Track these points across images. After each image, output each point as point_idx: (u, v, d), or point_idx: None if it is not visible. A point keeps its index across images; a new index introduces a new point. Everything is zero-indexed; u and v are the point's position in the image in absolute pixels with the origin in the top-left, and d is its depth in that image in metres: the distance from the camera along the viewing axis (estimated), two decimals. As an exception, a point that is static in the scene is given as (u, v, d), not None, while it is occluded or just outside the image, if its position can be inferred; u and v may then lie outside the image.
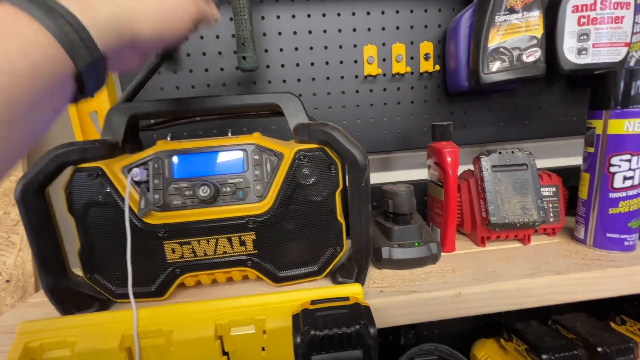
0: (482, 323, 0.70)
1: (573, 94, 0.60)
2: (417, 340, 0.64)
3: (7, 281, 0.43)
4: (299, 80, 0.54)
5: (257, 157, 0.37)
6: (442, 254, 0.45)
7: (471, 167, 0.49)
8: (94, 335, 0.31)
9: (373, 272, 0.42)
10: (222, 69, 0.53)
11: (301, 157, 0.35)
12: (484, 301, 0.37)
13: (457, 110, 0.58)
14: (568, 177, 0.53)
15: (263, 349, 0.33)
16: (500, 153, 0.45)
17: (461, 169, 0.51)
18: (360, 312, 0.29)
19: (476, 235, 0.47)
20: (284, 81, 0.54)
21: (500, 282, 0.37)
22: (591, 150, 0.42)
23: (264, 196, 0.36)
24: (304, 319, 0.28)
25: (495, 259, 0.43)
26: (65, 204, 0.34)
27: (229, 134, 0.39)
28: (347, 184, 0.35)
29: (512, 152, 0.45)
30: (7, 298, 0.43)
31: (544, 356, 0.51)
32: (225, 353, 0.33)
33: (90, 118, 0.52)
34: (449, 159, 0.43)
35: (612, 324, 0.63)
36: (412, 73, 0.56)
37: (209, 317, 0.32)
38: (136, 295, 0.36)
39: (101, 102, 0.50)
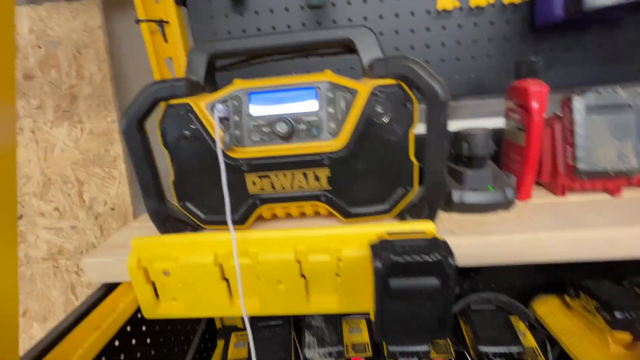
0: (543, 279, 0.68)
1: (697, 25, 0.50)
2: (473, 291, 0.64)
3: (112, 209, 0.50)
4: (365, 18, 0.51)
5: (330, 94, 0.37)
6: (516, 201, 0.43)
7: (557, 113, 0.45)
8: (192, 252, 0.36)
9: (442, 216, 0.42)
10: (287, 9, 0.52)
11: (377, 93, 0.35)
12: (565, 248, 0.35)
13: (544, 49, 0.52)
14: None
15: (338, 275, 0.36)
16: (598, 93, 0.40)
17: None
18: (439, 244, 0.29)
19: (556, 183, 0.44)
20: (350, 20, 0.52)
21: (586, 229, 0.35)
22: None
23: (337, 133, 0.37)
24: (382, 247, 0.30)
25: (578, 208, 0.40)
26: (160, 138, 0.38)
27: (302, 73, 0.39)
28: (426, 121, 0.34)
29: (614, 90, 0.39)
30: (113, 223, 0.51)
31: (617, 314, 0.49)
32: (303, 276, 0.36)
33: (166, 64, 0.55)
34: (535, 99, 0.39)
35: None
36: (493, 5, 0.50)
37: (289, 243, 0.35)
38: (221, 223, 0.41)
39: (176, 48, 0.52)
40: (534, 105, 0.39)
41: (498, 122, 0.56)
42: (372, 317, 0.35)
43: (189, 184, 0.39)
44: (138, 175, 0.38)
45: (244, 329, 0.65)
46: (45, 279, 0.53)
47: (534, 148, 0.40)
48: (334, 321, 0.60)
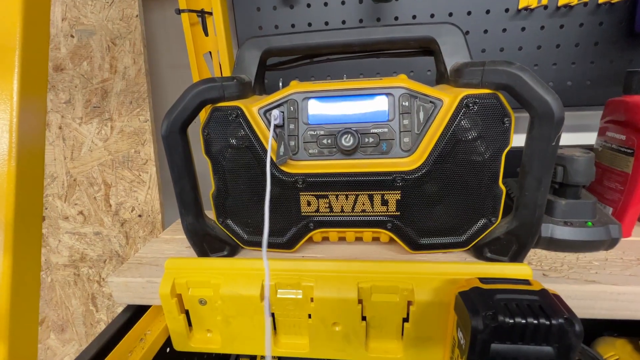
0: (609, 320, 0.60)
1: None
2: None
3: (139, 216, 0.46)
4: (432, 15, 0.45)
5: (406, 103, 0.31)
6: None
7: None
8: (235, 281, 0.31)
9: (524, 251, 0.35)
10: (343, 3, 0.46)
11: (469, 105, 0.29)
12: (696, 307, 0.28)
13: (640, 57, 0.44)
14: None
15: (406, 320, 0.30)
16: None
17: None
18: (554, 302, 0.23)
19: (661, 220, 0.37)
20: (414, 17, 0.45)
21: None
22: None
23: (412, 150, 0.31)
24: (480, 300, 0.24)
25: (698, 254, 0.33)
26: (203, 146, 0.33)
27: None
28: (528, 142, 0.28)
29: None
30: (140, 231, 0.47)
31: None
32: (363, 318, 0.30)
33: (204, 59, 0.50)
34: (653, 118, 0.32)
35: None
36: (585, 4, 0.43)
37: (350, 279, 0.30)
38: (267, 245, 0.36)
39: (217, 42, 0.47)
40: (652, 126, 0.32)
41: (580, 138, 0.49)
42: (446, 374, 0.29)
43: (232, 199, 0.34)
44: (176, 187, 0.33)
45: (271, 350, 0.59)
46: (65, 287, 0.49)
47: (646, 178, 0.33)
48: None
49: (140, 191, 0.46)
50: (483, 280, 0.26)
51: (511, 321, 0.22)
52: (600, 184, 0.39)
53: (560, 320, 0.22)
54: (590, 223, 0.33)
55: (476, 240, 0.33)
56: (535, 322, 0.22)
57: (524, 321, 0.22)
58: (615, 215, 0.36)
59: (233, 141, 0.32)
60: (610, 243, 0.33)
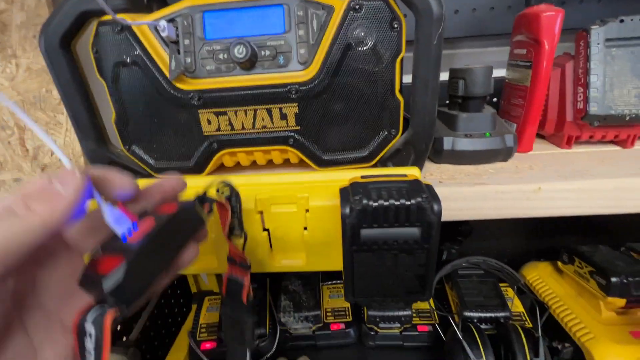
0: (535, 246, 0.65)
1: None
2: (461, 257, 0.60)
3: (60, 160, 0.44)
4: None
5: (301, 13, 0.30)
6: (516, 153, 0.38)
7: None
8: (136, 201, 0.31)
9: (430, 166, 0.36)
10: None
11: (355, 8, 0.28)
12: (570, 200, 0.30)
13: (558, -21, 0.44)
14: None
15: (305, 228, 0.31)
16: (622, 21, 0.33)
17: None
18: (422, 188, 0.24)
19: (561, 135, 0.39)
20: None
21: (593, 180, 0.30)
22: None
23: (309, 62, 0.30)
24: (353, 190, 0.25)
25: (585, 159, 0.35)
26: (95, 65, 0.32)
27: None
28: (415, 47, 0.28)
29: (642, 19, 0.33)
30: (62, 176, 0.45)
31: (613, 279, 0.46)
32: (266, 230, 0.31)
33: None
34: (546, 24, 0.33)
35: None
36: None
37: (249, 191, 0.30)
38: (175, 170, 0.35)
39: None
40: (545, 31, 0.32)
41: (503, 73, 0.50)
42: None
43: (133, 124, 0.33)
44: (68, 109, 0.31)
45: (218, 293, 0.61)
46: (-9, 236, 0.47)
47: (542, 84, 0.34)
48: (313, 285, 0.57)
49: (58, 134, 0.44)
50: (364, 176, 0.27)
51: (375, 204, 0.23)
52: (509, 103, 0.40)
53: (419, 199, 0.23)
54: (488, 134, 0.35)
55: (380, 155, 0.34)
56: (396, 202, 0.23)
57: (386, 203, 0.23)
58: (518, 131, 0.38)
59: (123, 58, 0.31)
60: (506, 152, 0.35)
